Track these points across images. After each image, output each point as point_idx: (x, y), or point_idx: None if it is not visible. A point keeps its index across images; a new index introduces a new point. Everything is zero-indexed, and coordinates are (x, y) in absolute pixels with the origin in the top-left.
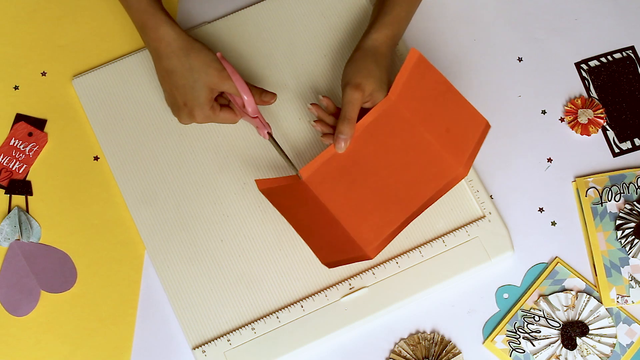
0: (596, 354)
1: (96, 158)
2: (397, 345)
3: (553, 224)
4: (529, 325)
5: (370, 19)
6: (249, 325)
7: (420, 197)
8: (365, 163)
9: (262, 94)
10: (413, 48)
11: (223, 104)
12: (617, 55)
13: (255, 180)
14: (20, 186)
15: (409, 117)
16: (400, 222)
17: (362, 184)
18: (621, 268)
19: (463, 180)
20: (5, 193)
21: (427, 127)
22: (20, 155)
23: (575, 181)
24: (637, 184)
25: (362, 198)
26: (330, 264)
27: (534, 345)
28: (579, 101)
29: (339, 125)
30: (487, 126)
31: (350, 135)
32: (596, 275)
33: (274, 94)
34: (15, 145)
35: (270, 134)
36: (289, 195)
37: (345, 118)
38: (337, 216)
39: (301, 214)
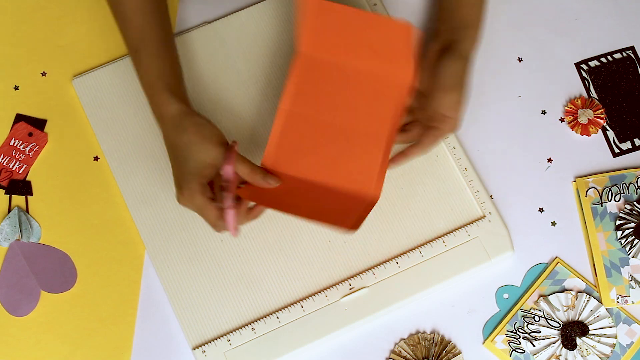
0: (596, 354)
1: (96, 158)
2: (397, 346)
3: (553, 224)
4: (529, 326)
5: (445, 12)
6: (249, 325)
7: (385, 120)
8: (316, 120)
9: (267, 177)
10: None
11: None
12: (617, 56)
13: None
14: (20, 186)
15: (331, 58)
16: (382, 153)
17: (324, 141)
18: (621, 268)
19: (463, 180)
20: (5, 193)
21: (353, 57)
22: (20, 155)
23: (575, 181)
24: (637, 184)
25: (332, 154)
26: (354, 226)
27: (534, 346)
28: (579, 101)
29: (415, 149)
30: (409, 27)
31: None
32: (596, 275)
33: (278, 179)
34: (15, 145)
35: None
36: (271, 191)
37: (423, 149)
38: (322, 182)
39: (293, 199)
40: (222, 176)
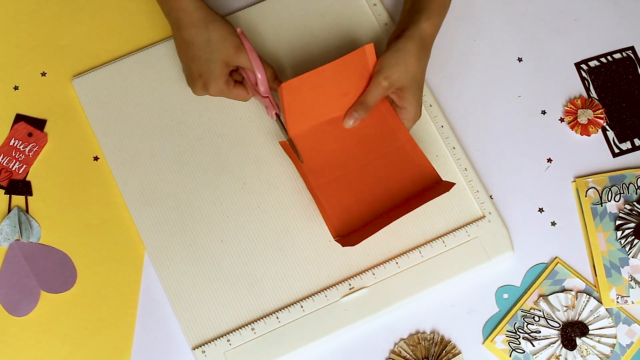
0: (596, 354)
1: (96, 158)
2: (397, 346)
3: (553, 224)
4: (529, 326)
5: (408, 3)
6: (248, 325)
7: (394, 126)
8: (345, 175)
9: (275, 81)
10: (280, 86)
11: (237, 80)
12: (617, 56)
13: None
14: (20, 186)
15: (317, 122)
16: (418, 148)
17: (368, 183)
18: (621, 268)
19: (463, 180)
20: (5, 193)
21: (334, 109)
22: (20, 155)
23: (575, 181)
24: (637, 184)
25: (382, 186)
26: (447, 184)
27: (533, 346)
28: (579, 101)
29: (355, 104)
30: (369, 47)
31: (362, 118)
32: (596, 275)
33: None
34: (15, 145)
35: (278, 115)
36: (363, 228)
37: (364, 103)
38: (399, 208)
39: (382, 218)
40: (260, 86)
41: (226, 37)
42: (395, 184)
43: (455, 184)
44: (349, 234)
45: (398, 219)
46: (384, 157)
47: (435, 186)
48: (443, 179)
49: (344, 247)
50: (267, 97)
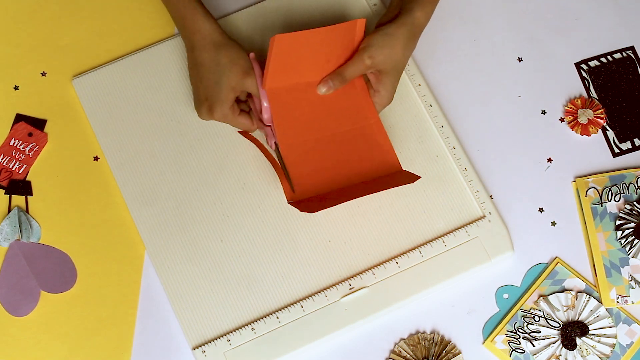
0: (596, 354)
1: (96, 158)
2: (397, 346)
3: (553, 224)
4: (529, 326)
5: None
6: (249, 325)
7: (365, 107)
8: (317, 137)
9: None
10: (273, 37)
11: (244, 109)
12: (617, 56)
13: (299, 209)
14: (20, 186)
15: (295, 82)
16: (384, 132)
17: (335, 149)
18: (621, 268)
19: (463, 180)
20: (5, 193)
21: (315, 74)
22: (20, 155)
23: (575, 181)
24: (637, 184)
25: (345, 158)
26: (411, 175)
27: (534, 346)
28: (579, 101)
29: (333, 74)
30: (360, 21)
31: (335, 88)
32: (596, 275)
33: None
34: (15, 145)
35: (277, 144)
36: (318, 198)
37: (341, 74)
38: (356, 186)
39: (343, 192)
40: (264, 114)
41: (236, 62)
42: (357, 162)
43: (420, 177)
44: (307, 200)
45: (358, 198)
46: (350, 132)
47: (397, 175)
48: (442, 180)
49: (306, 213)
50: (270, 125)
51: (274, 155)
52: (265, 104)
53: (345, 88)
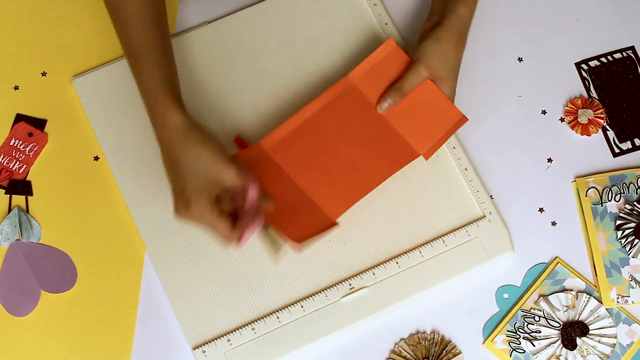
0: (596, 354)
1: (96, 158)
2: (397, 346)
3: (553, 224)
4: (529, 326)
5: None
6: (249, 325)
7: (386, 174)
8: (328, 140)
9: (265, 200)
10: (390, 39)
11: (226, 209)
12: (618, 55)
13: (232, 156)
14: (21, 186)
15: (370, 100)
16: (365, 195)
17: (325, 159)
18: (621, 268)
19: (463, 180)
20: (6, 193)
21: (389, 113)
22: (21, 155)
23: (575, 181)
24: (638, 184)
25: (326, 170)
26: (301, 239)
27: (534, 346)
28: (579, 101)
29: (390, 90)
30: (462, 119)
31: (396, 104)
32: (596, 275)
33: (272, 205)
34: (15, 145)
35: (265, 226)
36: (258, 168)
37: (399, 89)
38: (302, 185)
39: (271, 188)
40: (247, 201)
41: (216, 154)
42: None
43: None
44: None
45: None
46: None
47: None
48: (442, 180)
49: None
50: (250, 215)
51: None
52: (251, 194)
53: (394, 149)
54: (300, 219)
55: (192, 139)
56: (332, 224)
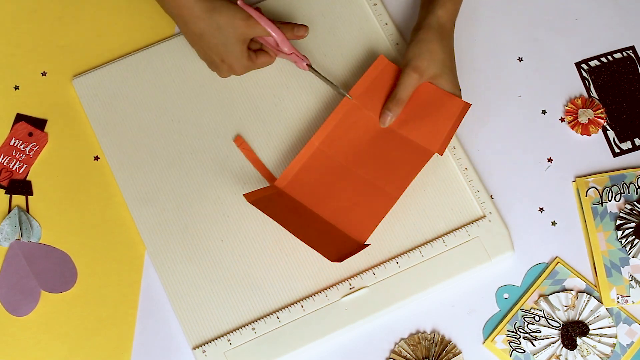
0: (596, 354)
1: (96, 158)
2: (397, 345)
3: (553, 224)
4: (529, 325)
5: None
6: (249, 325)
7: (405, 184)
8: (340, 163)
9: (295, 29)
10: (382, 55)
11: (256, 48)
12: (618, 55)
13: (244, 195)
14: (21, 186)
15: (373, 115)
16: (388, 212)
17: (342, 185)
18: (621, 268)
19: (463, 180)
20: (6, 193)
21: (394, 123)
22: (21, 155)
23: (575, 181)
24: (638, 184)
25: (343, 198)
26: (339, 259)
27: (534, 345)
28: (579, 101)
29: (388, 102)
30: (466, 106)
31: (397, 114)
32: (596, 275)
33: (306, 27)
34: (15, 145)
35: (309, 65)
36: (277, 204)
37: (395, 98)
38: (324, 216)
39: (294, 219)
40: (277, 42)
41: (234, 17)
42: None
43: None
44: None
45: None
46: (369, 190)
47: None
48: (442, 180)
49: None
50: (293, 52)
51: (314, 75)
52: (279, 38)
53: (406, 156)
54: (331, 243)
55: (213, 12)
56: (363, 246)
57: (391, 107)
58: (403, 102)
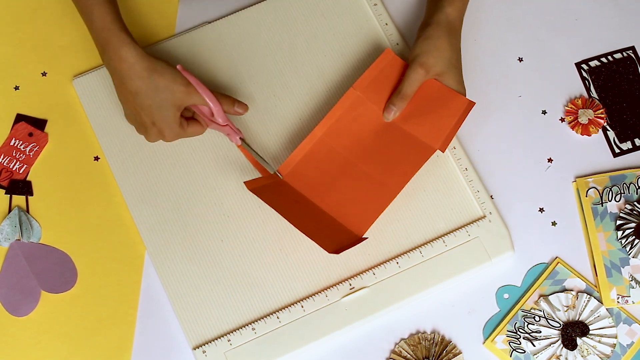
0: (596, 354)
1: (96, 158)
2: (397, 346)
3: (553, 224)
4: (530, 326)
5: None
6: (249, 325)
7: (406, 178)
8: (342, 155)
9: (236, 104)
10: (388, 49)
11: (188, 117)
12: (618, 56)
13: (244, 182)
14: (21, 186)
15: (377, 109)
16: (388, 205)
17: (343, 177)
18: (621, 268)
19: (463, 180)
20: (6, 193)
21: (398, 117)
22: (21, 155)
23: (575, 181)
24: (638, 184)
25: (343, 190)
26: (337, 251)
27: (534, 346)
28: (580, 101)
29: (393, 97)
30: (470, 104)
31: (401, 109)
32: (596, 275)
33: (247, 106)
34: (15, 145)
35: (242, 139)
36: (277, 193)
37: (401, 93)
38: (324, 208)
39: (294, 209)
40: (212, 112)
41: (174, 81)
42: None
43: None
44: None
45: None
46: (370, 183)
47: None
48: (442, 180)
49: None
50: (227, 124)
51: (247, 149)
52: (214, 107)
53: (409, 151)
54: (330, 235)
55: (153, 71)
56: (361, 239)
57: (396, 101)
58: (408, 98)
